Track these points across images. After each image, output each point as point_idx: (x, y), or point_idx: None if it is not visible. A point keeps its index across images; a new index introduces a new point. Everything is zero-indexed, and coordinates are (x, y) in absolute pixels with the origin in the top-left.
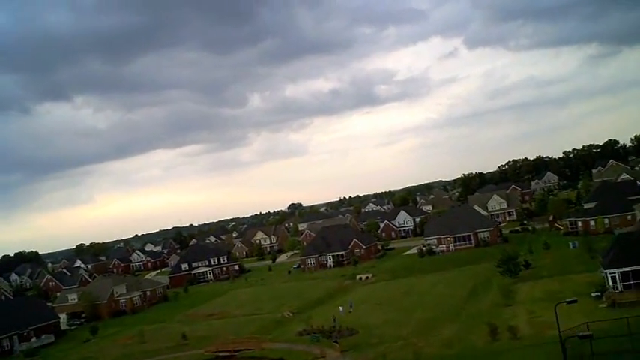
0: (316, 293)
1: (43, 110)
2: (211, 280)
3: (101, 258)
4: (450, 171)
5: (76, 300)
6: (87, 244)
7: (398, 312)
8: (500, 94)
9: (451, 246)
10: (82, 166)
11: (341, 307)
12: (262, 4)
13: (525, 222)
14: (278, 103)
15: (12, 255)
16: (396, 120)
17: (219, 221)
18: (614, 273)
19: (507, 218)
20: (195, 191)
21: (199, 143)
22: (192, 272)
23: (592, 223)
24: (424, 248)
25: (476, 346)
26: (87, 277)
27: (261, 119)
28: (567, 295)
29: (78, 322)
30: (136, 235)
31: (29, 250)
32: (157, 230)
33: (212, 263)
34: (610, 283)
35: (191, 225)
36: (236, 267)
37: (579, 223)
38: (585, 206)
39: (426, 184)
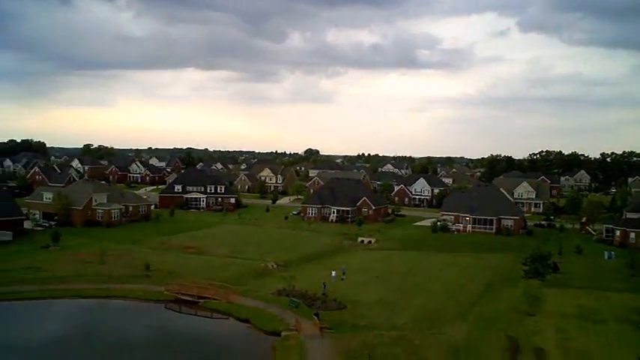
0: (309, 248)
1: (84, 5)
2: (203, 208)
3: (102, 162)
4: (475, 150)
5: (51, 200)
6: (95, 145)
7: (397, 292)
8: (542, 84)
9: (469, 227)
10: (112, 69)
11: (333, 272)
12: None
13: (552, 217)
14: (317, 46)
15: (18, 141)
16: (431, 88)
17: (234, 151)
18: None
19: (532, 209)
20: (218, 117)
21: (232, 70)
22: (185, 196)
23: (632, 235)
24: (439, 223)
25: None
26: (76, 177)
27: (296, 58)
28: (605, 316)
29: (47, 225)
30: (150, 148)
31: (37, 140)
32: (172, 147)
33: (208, 191)
34: None
35: (206, 149)
36: (232, 200)
37: (617, 232)
38: (628, 215)
39: (448, 157)
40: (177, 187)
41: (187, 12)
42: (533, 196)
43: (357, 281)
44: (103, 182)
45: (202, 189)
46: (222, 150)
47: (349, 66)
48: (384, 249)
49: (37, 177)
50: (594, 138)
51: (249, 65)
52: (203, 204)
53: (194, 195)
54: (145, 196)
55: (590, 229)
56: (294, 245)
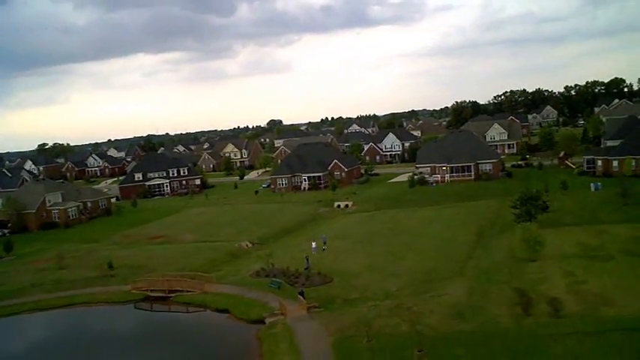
0: (284, 220)
1: (20, 2)
2: (168, 194)
3: (58, 161)
4: (438, 101)
5: (0, 207)
6: (50, 144)
7: (384, 256)
8: (495, 27)
9: (447, 177)
10: (60, 64)
11: (313, 243)
12: None
13: (528, 157)
14: (267, 15)
15: None
16: (387, 44)
17: (195, 132)
18: None
19: (507, 151)
20: (175, 100)
21: (183, 50)
22: (147, 184)
23: (615, 163)
24: (415, 177)
25: (501, 323)
26: (29, 179)
27: (248, 30)
28: (610, 251)
29: (0, 234)
30: (109, 140)
31: None
32: (132, 137)
33: (170, 175)
34: None
35: (167, 134)
36: (197, 182)
37: (599, 163)
38: (608, 144)
39: (412, 110)
40: (138, 176)
41: None
42: (506, 137)
43: (340, 249)
44: (58, 181)
45: (164, 174)
46: (183, 133)
47: (302, 32)
48: (363, 211)
49: None
50: (555, 74)
51: (200, 44)
52: (167, 189)
53: (156, 181)
54: (105, 190)
55: (569, 163)
56: (267, 220)
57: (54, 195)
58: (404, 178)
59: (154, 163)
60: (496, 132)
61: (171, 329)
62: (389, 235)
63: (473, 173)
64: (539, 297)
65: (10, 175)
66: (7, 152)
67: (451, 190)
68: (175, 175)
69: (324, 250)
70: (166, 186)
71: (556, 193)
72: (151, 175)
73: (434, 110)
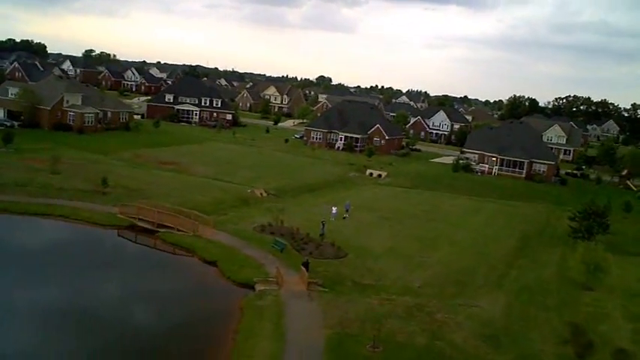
0: (309, 177)
1: None
2: (196, 122)
3: (100, 68)
4: (491, 93)
5: (15, 97)
6: (97, 51)
7: (412, 241)
8: (566, 30)
9: (495, 168)
10: None
11: (334, 208)
12: None
13: (584, 167)
14: None
15: (18, 41)
16: (452, 25)
17: (244, 73)
18: None
19: (562, 156)
20: (231, 37)
21: None
22: (176, 107)
23: None
24: (461, 161)
25: None
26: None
27: None
28: None
29: (8, 124)
30: (159, 62)
31: (37, 42)
32: (181, 64)
33: (202, 104)
34: None
35: (216, 68)
36: (229, 117)
37: None
38: None
39: (465, 96)
40: (169, 97)
41: None
42: (564, 142)
43: (363, 222)
44: (86, 85)
45: (196, 101)
46: (229, 70)
47: None
48: (397, 185)
49: (16, 73)
50: (620, 90)
51: None
52: (196, 117)
53: (186, 107)
54: (136, 106)
55: (630, 184)
56: (291, 172)
57: (74, 96)
58: (447, 160)
59: (188, 88)
60: (555, 134)
61: (144, 272)
62: (422, 218)
63: (525, 171)
64: (598, 340)
65: (42, 69)
66: (60, 53)
67: (498, 183)
68: (207, 104)
69: (344, 218)
70: (195, 114)
71: (618, 214)
72: (182, 99)
73: (486, 101)
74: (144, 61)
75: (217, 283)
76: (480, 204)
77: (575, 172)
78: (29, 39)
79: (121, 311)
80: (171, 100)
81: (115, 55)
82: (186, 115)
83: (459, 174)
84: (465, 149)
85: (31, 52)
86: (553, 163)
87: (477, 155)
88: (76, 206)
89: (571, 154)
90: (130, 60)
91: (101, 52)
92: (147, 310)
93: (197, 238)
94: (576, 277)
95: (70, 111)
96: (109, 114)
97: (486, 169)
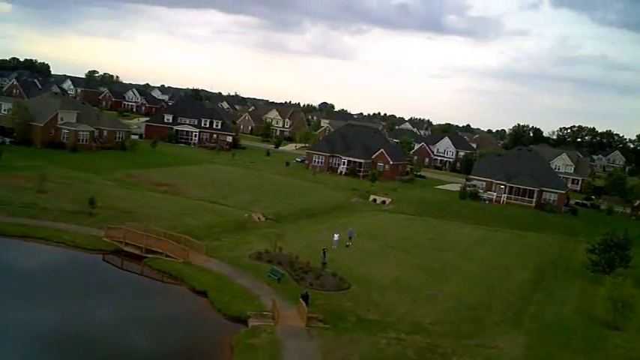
0: (310, 201)
1: None
2: (194, 144)
3: (101, 89)
4: (495, 122)
5: (7, 113)
6: (100, 72)
7: (419, 272)
8: (568, 62)
9: (503, 196)
10: (132, 2)
11: (336, 235)
12: None
13: (593, 197)
14: (343, 0)
15: (21, 60)
16: (454, 56)
17: (247, 98)
18: None
19: (570, 186)
20: (235, 63)
21: (254, 16)
22: (175, 127)
23: None
24: (468, 189)
25: None
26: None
27: (322, 11)
28: None
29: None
30: (162, 86)
31: (41, 61)
32: (184, 87)
33: (202, 125)
34: None
35: (220, 93)
36: (229, 138)
37: None
38: None
39: (468, 125)
40: (168, 117)
41: None
42: (572, 171)
43: (366, 250)
44: (83, 102)
45: (196, 122)
46: (232, 94)
47: (374, 24)
48: (401, 212)
49: (14, 90)
50: (623, 122)
51: (272, 12)
52: (195, 139)
53: (186, 127)
54: (135, 126)
55: None
56: (291, 196)
57: (68, 113)
58: (452, 187)
59: (188, 109)
60: (562, 162)
61: (126, 302)
62: (428, 248)
63: (534, 200)
64: None
65: (41, 87)
66: (64, 74)
67: (507, 212)
68: (207, 125)
69: (347, 246)
70: (195, 135)
71: (634, 247)
72: (182, 119)
73: (489, 130)
74: (147, 84)
75: (206, 316)
76: (489, 233)
77: (584, 202)
78: (33, 58)
79: (93, 348)
80: (170, 121)
81: (118, 77)
82: (185, 136)
83: (466, 202)
84: (471, 176)
85: (34, 71)
86: (564, 192)
87: (484, 182)
88: (59, 228)
89: (579, 183)
90: (133, 82)
91: (104, 74)
92: (123, 348)
93: (187, 265)
94: (601, 314)
95: (64, 128)
96: (105, 132)
97: (494, 197)
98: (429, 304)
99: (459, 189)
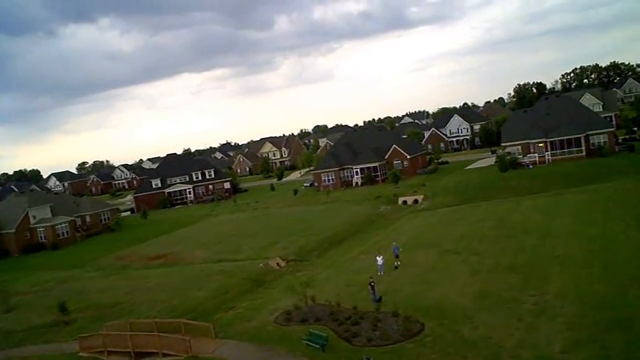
0: (332, 226)
1: (68, 32)
2: (191, 202)
3: (90, 176)
4: (491, 93)
5: None
6: (90, 162)
7: (503, 273)
8: (539, 18)
9: (547, 155)
10: (110, 89)
11: (379, 258)
12: None
13: (636, 129)
14: (306, 26)
15: (10, 173)
16: (429, 45)
17: (241, 144)
18: None
19: None
20: (220, 115)
21: (226, 67)
22: (166, 191)
23: None
24: (507, 157)
25: None
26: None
27: (288, 43)
28: None
29: None
30: (158, 157)
31: (30, 169)
32: (180, 152)
33: (194, 179)
34: None
35: (211, 148)
36: (226, 185)
37: None
38: None
39: (465, 103)
40: (155, 182)
41: (170, 17)
42: (601, 109)
43: (423, 265)
44: (55, 193)
45: (186, 178)
46: (224, 143)
47: (342, 39)
48: (441, 206)
49: None
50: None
51: (242, 59)
52: (191, 196)
53: (177, 187)
54: (129, 203)
55: None
56: (309, 227)
57: (40, 209)
58: (483, 163)
59: (175, 167)
60: (589, 102)
61: None
62: (497, 238)
63: (584, 148)
64: None
65: (22, 192)
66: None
67: (558, 171)
68: (200, 178)
69: (396, 267)
70: (189, 192)
71: None
72: (171, 180)
73: (487, 102)
74: (140, 160)
75: None
76: (554, 199)
77: (625, 137)
78: (22, 169)
79: None
80: (159, 185)
81: (108, 161)
82: (179, 197)
83: (508, 173)
84: (503, 144)
85: (25, 180)
86: (612, 130)
87: (519, 147)
88: (22, 355)
89: (612, 120)
90: (125, 162)
91: (94, 162)
92: None
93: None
94: None
95: (39, 227)
96: (88, 218)
97: (537, 158)
98: (544, 319)
99: (493, 163)
